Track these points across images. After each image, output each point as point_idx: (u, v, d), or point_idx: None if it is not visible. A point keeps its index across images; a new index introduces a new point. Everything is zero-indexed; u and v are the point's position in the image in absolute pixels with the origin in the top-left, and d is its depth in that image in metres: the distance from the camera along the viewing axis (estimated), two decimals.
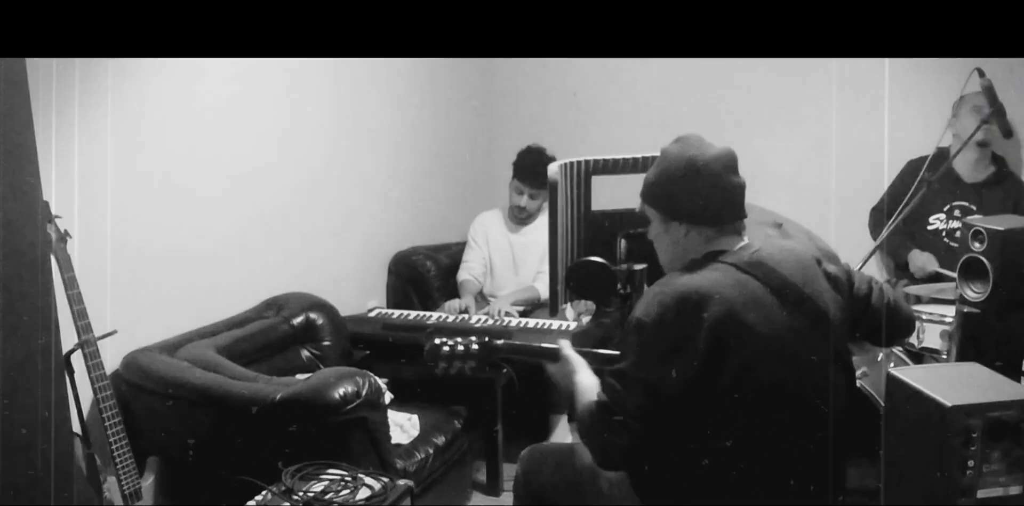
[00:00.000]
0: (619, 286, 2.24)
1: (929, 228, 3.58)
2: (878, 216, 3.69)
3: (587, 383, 1.94)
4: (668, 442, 1.79)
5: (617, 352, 1.96)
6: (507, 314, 3.60)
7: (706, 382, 1.73)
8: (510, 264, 4.02)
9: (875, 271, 3.86)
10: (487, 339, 2.15)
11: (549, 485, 2.15)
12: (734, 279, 1.78)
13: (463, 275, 4.02)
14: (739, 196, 1.89)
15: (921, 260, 3.47)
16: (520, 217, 4.00)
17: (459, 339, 2.14)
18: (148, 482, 2.42)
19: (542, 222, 3.96)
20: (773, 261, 1.84)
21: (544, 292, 3.83)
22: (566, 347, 2.09)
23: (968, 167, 3.54)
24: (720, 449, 1.78)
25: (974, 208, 3.51)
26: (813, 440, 1.83)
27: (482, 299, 3.96)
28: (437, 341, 2.14)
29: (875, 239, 3.15)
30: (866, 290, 2.00)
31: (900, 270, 3.60)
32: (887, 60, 3.45)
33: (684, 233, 1.89)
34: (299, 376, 2.75)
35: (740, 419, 1.76)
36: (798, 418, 1.82)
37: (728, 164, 1.86)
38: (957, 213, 3.54)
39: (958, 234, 3.49)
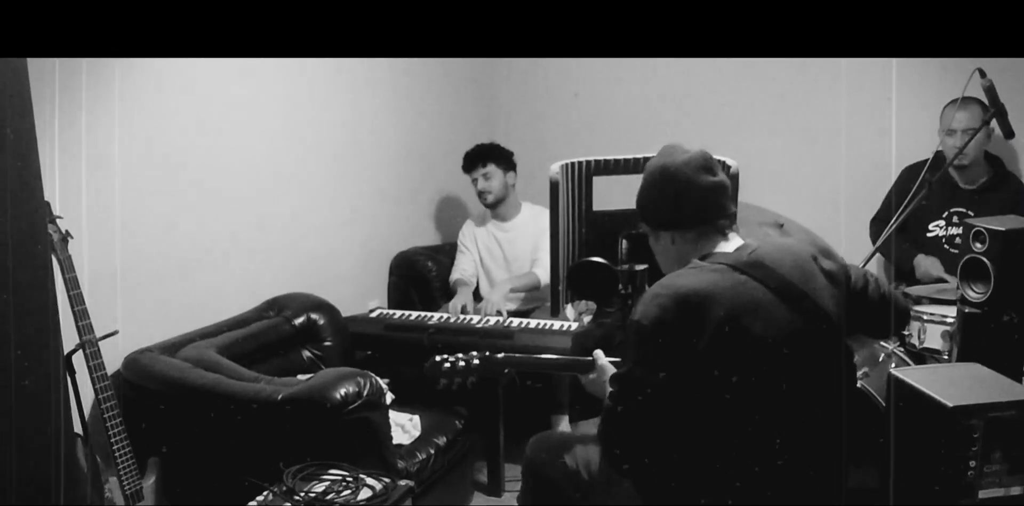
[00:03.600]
0: (620, 286, 2.24)
1: (929, 235, 3.56)
2: (879, 226, 3.65)
3: None
4: (671, 441, 1.79)
5: None
6: (498, 313, 3.56)
7: (707, 383, 1.73)
8: (501, 261, 4.02)
9: (880, 277, 3.83)
10: (487, 353, 2.16)
11: (556, 471, 2.15)
12: (732, 280, 1.78)
13: (455, 275, 4.02)
14: (718, 195, 1.88)
15: (926, 264, 3.46)
16: (488, 202, 3.94)
17: (460, 355, 2.15)
18: (149, 482, 2.42)
19: (524, 215, 4.00)
20: (771, 260, 1.83)
21: (543, 278, 3.77)
22: (601, 357, 2.10)
23: (964, 173, 3.52)
24: (723, 448, 1.78)
25: (972, 214, 3.48)
26: (816, 439, 1.82)
27: (478, 299, 3.94)
28: (437, 358, 2.15)
29: (879, 252, 3.14)
30: (862, 284, 2.01)
31: (905, 277, 3.58)
32: (894, 60, 3.42)
33: (671, 241, 1.91)
34: (300, 376, 2.75)
35: (742, 419, 1.76)
36: (801, 417, 1.81)
37: (700, 165, 1.86)
38: (956, 219, 3.52)
39: (958, 240, 3.47)
